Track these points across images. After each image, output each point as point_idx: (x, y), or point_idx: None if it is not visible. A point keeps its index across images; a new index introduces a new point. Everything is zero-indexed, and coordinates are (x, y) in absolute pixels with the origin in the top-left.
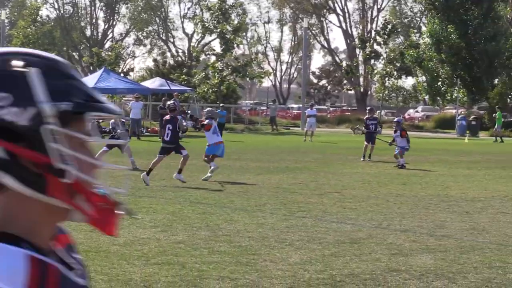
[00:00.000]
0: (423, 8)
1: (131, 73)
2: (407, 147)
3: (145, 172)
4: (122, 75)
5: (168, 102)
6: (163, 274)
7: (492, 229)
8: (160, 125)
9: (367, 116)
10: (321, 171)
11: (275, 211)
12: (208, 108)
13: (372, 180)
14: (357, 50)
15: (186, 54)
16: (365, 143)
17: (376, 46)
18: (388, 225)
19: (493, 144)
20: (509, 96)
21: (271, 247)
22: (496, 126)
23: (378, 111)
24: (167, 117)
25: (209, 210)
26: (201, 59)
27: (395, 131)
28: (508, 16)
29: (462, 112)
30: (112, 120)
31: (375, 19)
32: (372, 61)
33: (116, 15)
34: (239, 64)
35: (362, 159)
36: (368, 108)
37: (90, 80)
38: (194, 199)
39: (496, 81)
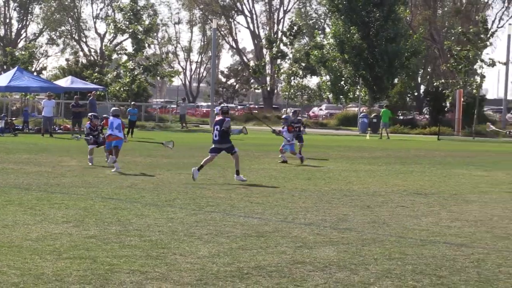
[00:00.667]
0: (327, 10)
1: (44, 72)
2: (292, 141)
3: (196, 167)
4: (35, 74)
5: (221, 105)
6: (74, 268)
7: (392, 222)
8: (72, 123)
9: (292, 118)
10: (229, 167)
11: (184, 206)
12: (113, 108)
13: (278, 175)
14: (264, 50)
15: (99, 54)
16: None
17: (282, 47)
18: (293, 219)
19: (394, 141)
20: (408, 95)
21: (181, 241)
22: (381, 124)
23: (284, 109)
24: (218, 118)
25: (120, 205)
26: (113, 58)
27: (283, 127)
28: (408, 18)
29: (364, 110)
30: None
31: (282, 20)
32: (279, 61)
33: (29, 15)
34: (150, 63)
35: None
36: (292, 110)
37: (3, 79)
38: (106, 195)
39: (396, 80)
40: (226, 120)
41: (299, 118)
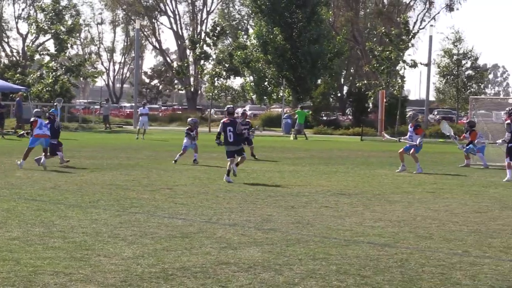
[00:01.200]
0: (250, 11)
1: None
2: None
3: (225, 174)
4: None
5: (227, 106)
6: None
7: (316, 222)
8: None
9: (240, 120)
10: (153, 168)
11: (108, 207)
12: (36, 109)
13: (202, 176)
14: (188, 51)
15: (21, 54)
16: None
17: (206, 47)
18: (218, 219)
19: (318, 142)
20: (332, 96)
21: (105, 242)
22: (297, 125)
23: (208, 110)
24: (227, 120)
25: (43, 206)
26: (35, 58)
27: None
28: (330, 19)
29: (288, 111)
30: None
31: (205, 21)
32: (202, 61)
33: None
34: (73, 64)
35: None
36: (241, 112)
37: None
38: (29, 196)
39: (319, 81)
40: (238, 123)
41: (247, 120)
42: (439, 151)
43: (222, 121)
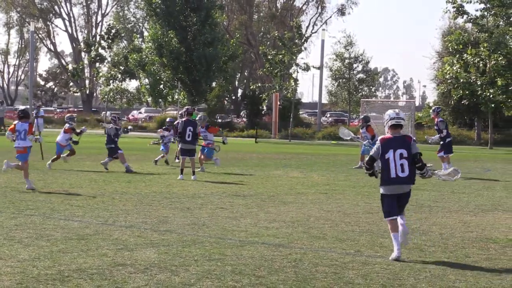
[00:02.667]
0: (145, 14)
1: None
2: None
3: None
4: None
5: (186, 107)
6: None
7: (211, 223)
8: None
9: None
10: (49, 170)
11: (3, 210)
12: None
13: (98, 178)
14: (83, 54)
15: None
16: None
17: (101, 50)
18: (114, 221)
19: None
20: (226, 98)
21: (0, 244)
22: None
23: (103, 112)
24: (186, 119)
25: None
26: None
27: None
28: (225, 22)
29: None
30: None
31: (100, 24)
32: (97, 64)
33: None
34: None
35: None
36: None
37: None
38: None
39: (214, 84)
40: (198, 125)
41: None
42: (332, 152)
43: (182, 120)
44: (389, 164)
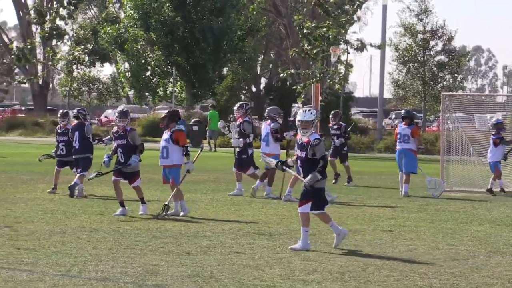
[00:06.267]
0: None
1: None
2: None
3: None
4: None
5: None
6: None
7: (222, 275)
8: None
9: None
10: None
11: None
12: None
13: (57, 209)
14: (34, 27)
15: None
16: None
17: (59, 21)
18: (80, 271)
19: (229, 157)
20: (244, 91)
21: None
22: (208, 132)
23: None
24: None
25: None
26: None
27: None
28: None
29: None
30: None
31: None
32: (54, 41)
33: None
34: None
35: None
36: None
37: None
38: None
39: (225, 70)
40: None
41: None
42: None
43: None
44: None
